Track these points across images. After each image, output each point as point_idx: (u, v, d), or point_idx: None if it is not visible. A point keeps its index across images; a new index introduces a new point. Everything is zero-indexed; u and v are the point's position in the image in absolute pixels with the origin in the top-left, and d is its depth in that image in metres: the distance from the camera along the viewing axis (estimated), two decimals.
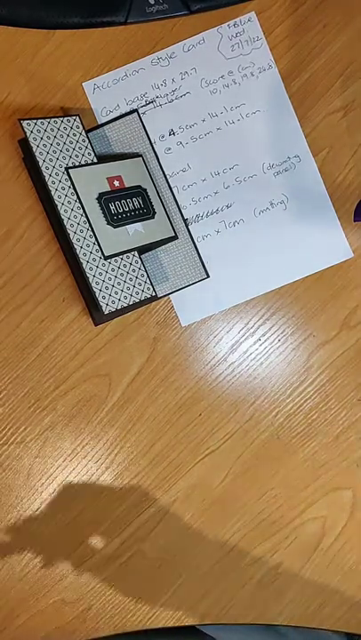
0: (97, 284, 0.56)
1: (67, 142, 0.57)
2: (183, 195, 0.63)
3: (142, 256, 0.59)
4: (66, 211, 0.55)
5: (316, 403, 0.63)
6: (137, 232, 0.58)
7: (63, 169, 0.56)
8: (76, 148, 0.57)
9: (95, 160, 0.58)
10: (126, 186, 0.59)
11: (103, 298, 0.56)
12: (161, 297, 0.62)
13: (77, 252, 0.55)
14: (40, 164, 0.55)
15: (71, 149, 0.57)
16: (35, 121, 0.56)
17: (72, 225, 0.55)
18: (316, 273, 0.63)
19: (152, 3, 0.60)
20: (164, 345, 0.63)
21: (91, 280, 0.55)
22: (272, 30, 0.62)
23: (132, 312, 0.62)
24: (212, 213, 0.63)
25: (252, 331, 0.63)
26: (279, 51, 0.62)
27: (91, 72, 0.62)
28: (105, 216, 0.57)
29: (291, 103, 0.63)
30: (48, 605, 0.63)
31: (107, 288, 0.56)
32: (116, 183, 0.58)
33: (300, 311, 0.63)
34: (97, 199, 0.57)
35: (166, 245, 0.62)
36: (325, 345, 0.63)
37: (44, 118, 0.56)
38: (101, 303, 0.55)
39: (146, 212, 0.59)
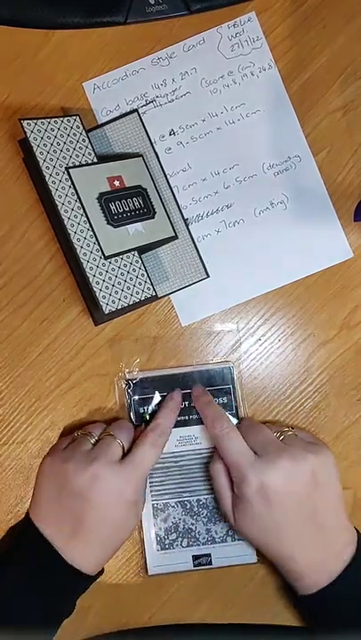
0: (97, 283, 0.56)
1: (67, 142, 0.57)
2: (183, 194, 0.63)
3: (142, 256, 0.59)
4: (66, 211, 0.55)
5: (316, 402, 0.63)
6: (137, 232, 0.58)
7: (63, 169, 0.56)
8: (77, 148, 0.57)
9: (95, 160, 0.58)
10: (126, 186, 0.59)
11: (104, 298, 0.56)
12: (161, 297, 0.62)
13: (78, 251, 0.55)
14: (40, 163, 0.55)
15: (71, 149, 0.57)
16: (35, 121, 0.56)
17: (72, 225, 0.55)
18: (316, 273, 0.63)
19: (152, 3, 0.60)
20: (164, 345, 0.63)
21: (91, 280, 0.55)
22: (272, 30, 0.62)
23: (132, 312, 0.62)
24: (212, 213, 0.63)
25: (252, 331, 0.63)
26: (279, 51, 0.63)
27: (91, 72, 0.62)
28: (105, 216, 0.57)
29: (291, 103, 0.63)
30: None
31: (107, 288, 0.56)
32: (117, 183, 0.58)
33: (301, 311, 0.63)
34: (97, 199, 0.57)
35: (166, 245, 0.62)
36: (325, 345, 0.63)
37: (44, 118, 0.56)
38: (102, 303, 0.55)
39: (146, 212, 0.59)
